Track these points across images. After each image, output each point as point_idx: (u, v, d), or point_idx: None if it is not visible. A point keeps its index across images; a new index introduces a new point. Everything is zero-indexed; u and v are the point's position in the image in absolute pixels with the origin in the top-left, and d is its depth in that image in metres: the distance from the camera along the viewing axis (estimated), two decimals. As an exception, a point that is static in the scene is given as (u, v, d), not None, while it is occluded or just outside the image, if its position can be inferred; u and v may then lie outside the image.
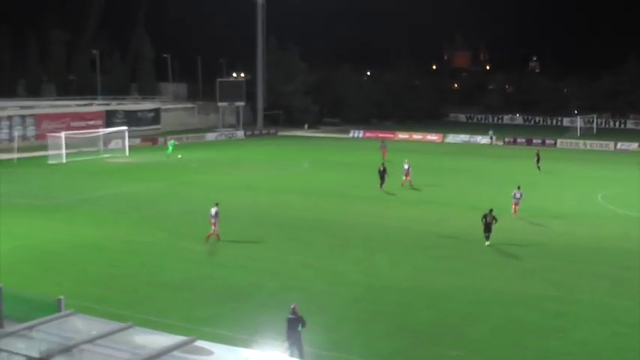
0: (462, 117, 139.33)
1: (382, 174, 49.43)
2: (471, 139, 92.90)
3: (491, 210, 34.24)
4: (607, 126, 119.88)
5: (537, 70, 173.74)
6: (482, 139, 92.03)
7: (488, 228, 33.87)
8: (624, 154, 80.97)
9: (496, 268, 30.33)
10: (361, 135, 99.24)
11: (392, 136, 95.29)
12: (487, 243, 33.71)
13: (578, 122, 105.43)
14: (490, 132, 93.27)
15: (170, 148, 70.29)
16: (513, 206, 40.59)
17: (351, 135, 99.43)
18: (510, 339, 22.27)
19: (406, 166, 51.87)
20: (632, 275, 29.12)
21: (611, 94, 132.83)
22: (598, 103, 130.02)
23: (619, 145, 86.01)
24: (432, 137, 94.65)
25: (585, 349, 21.47)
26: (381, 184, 49.28)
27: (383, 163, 50.62)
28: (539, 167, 60.82)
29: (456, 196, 48.13)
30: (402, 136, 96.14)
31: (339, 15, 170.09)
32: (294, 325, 19.07)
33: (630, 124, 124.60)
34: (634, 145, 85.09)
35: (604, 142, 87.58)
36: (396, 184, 50.00)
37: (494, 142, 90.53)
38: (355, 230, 37.21)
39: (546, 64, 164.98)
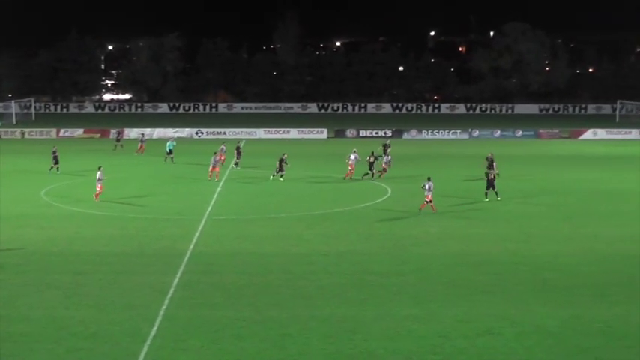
0: None
1: None
2: None
3: None
4: (47, 111, 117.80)
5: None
6: None
7: None
8: (68, 141, 79.21)
9: None
10: None
11: None
12: None
13: (14, 107, 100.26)
14: None
15: None
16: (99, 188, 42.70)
17: None
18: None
19: None
20: (86, 280, 27.64)
21: (50, 75, 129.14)
22: (35, 84, 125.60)
23: (62, 131, 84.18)
24: None
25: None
26: None
27: None
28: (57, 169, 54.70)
29: None
30: None
31: None
32: None
33: (73, 108, 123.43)
34: (79, 132, 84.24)
35: (45, 130, 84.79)
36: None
37: None
38: None
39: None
